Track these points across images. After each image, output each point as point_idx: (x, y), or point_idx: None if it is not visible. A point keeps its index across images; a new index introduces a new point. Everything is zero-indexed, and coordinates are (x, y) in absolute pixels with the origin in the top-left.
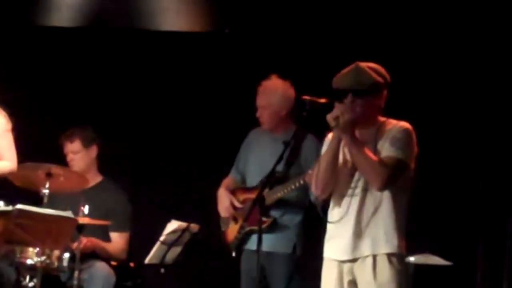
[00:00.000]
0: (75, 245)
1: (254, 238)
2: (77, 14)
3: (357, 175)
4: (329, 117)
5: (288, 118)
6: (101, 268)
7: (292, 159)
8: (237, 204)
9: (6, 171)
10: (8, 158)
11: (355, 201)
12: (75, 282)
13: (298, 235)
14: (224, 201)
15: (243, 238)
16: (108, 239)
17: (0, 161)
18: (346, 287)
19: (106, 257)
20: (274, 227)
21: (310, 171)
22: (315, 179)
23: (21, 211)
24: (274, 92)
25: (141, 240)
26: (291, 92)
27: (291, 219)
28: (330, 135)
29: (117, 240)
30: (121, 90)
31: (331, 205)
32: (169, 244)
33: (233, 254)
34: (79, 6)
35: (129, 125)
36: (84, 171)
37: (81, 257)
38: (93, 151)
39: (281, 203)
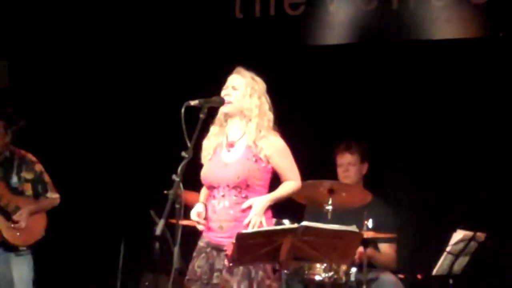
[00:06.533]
0: (356, 257)
1: None
2: (349, 30)
3: None
4: None
5: None
6: (389, 279)
7: None
8: None
9: (292, 191)
10: (292, 177)
11: None
12: None
13: None
14: None
15: None
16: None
17: (287, 182)
18: None
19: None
20: None
21: None
22: None
23: (306, 228)
24: None
25: (428, 252)
26: None
27: None
28: None
29: (388, 251)
30: (393, 104)
31: None
32: (455, 255)
33: None
34: (351, 23)
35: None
36: (354, 184)
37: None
38: (365, 167)
39: None
